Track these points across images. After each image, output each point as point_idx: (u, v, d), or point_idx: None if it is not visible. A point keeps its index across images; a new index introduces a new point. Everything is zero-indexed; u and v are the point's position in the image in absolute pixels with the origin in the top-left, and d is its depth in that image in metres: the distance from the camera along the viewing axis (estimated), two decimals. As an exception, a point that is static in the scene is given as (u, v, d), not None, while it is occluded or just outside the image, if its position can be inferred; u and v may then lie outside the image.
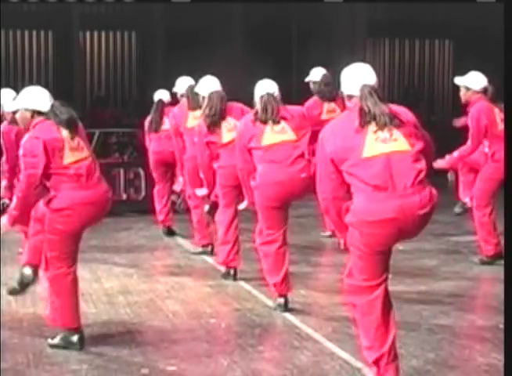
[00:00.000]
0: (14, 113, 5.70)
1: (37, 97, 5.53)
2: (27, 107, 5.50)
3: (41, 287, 6.18)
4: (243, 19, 17.02)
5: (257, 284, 7.28)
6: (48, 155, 5.34)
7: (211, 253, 8.71)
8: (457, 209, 8.68)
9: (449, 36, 19.84)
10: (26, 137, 5.43)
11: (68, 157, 5.43)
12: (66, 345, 5.47)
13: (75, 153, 5.44)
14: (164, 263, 8.47)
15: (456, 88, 8.22)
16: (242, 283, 7.43)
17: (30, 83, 17.76)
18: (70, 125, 5.44)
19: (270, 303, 6.60)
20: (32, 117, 5.48)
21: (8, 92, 9.08)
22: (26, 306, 6.56)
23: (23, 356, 5.33)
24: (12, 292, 6.17)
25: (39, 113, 5.47)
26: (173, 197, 10.39)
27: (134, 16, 17.60)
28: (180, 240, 9.71)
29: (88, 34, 18.14)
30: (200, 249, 8.87)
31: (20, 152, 5.39)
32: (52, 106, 5.47)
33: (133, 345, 5.59)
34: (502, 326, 5.12)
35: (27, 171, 5.35)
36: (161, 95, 10.02)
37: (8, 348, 5.50)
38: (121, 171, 11.87)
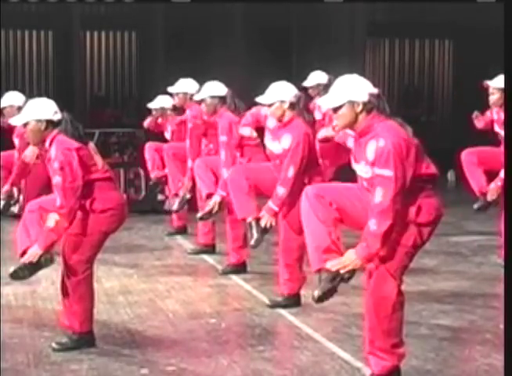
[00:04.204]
0: (24, 125, 5.40)
1: (47, 108, 5.37)
2: (39, 118, 5.30)
3: (42, 288, 6.19)
4: (243, 19, 17.03)
5: (257, 284, 7.29)
6: (83, 164, 5.25)
7: (213, 252, 8.72)
8: (476, 205, 8.45)
9: (449, 36, 19.85)
10: (54, 150, 5.22)
11: (99, 161, 5.42)
12: (78, 346, 5.44)
13: (98, 156, 5.44)
14: (164, 263, 8.47)
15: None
16: (242, 283, 7.43)
17: (30, 83, 17.86)
18: (82, 136, 5.40)
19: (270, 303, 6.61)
20: (46, 128, 5.30)
21: (16, 95, 9.11)
22: (26, 306, 6.56)
23: (23, 356, 5.33)
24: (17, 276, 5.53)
25: (52, 123, 5.31)
26: (161, 197, 10.53)
27: (134, 16, 17.61)
28: (180, 240, 9.71)
29: (88, 34, 18.15)
30: (198, 248, 8.87)
31: (55, 165, 5.18)
32: (63, 116, 5.38)
33: (133, 345, 5.59)
34: (502, 326, 5.12)
35: (69, 184, 5.16)
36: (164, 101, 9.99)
37: (8, 348, 5.49)
38: (121, 171, 11.90)
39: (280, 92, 6.45)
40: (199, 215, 7.95)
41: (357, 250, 4.46)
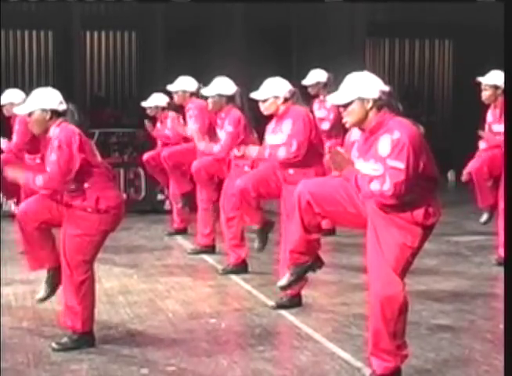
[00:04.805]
0: (29, 115, 5.39)
1: (53, 97, 5.36)
2: (44, 108, 5.29)
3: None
4: (244, 18, 17.03)
5: (257, 284, 7.29)
6: (84, 149, 5.24)
7: (213, 252, 8.73)
8: (483, 219, 8.50)
9: (449, 36, 19.85)
10: (57, 131, 5.24)
11: (99, 156, 5.42)
12: (78, 346, 5.44)
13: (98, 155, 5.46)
14: (164, 263, 8.46)
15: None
16: (242, 283, 7.43)
17: (30, 83, 17.84)
18: (86, 129, 5.42)
19: (270, 303, 6.61)
20: (50, 118, 5.29)
21: (16, 93, 9.12)
22: (26, 306, 6.56)
23: (23, 356, 5.33)
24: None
25: (57, 113, 5.31)
26: (161, 197, 10.56)
27: (134, 16, 17.61)
28: (180, 240, 9.71)
29: (88, 33, 18.15)
30: (198, 248, 8.87)
31: (55, 143, 5.18)
32: (69, 107, 5.39)
33: (133, 345, 5.59)
34: (502, 326, 5.12)
35: (63, 164, 5.16)
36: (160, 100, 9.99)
37: (8, 348, 5.49)
38: (121, 171, 11.91)
39: (274, 88, 6.48)
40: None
41: (350, 169, 4.56)
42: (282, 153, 6.41)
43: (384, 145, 4.43)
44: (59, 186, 5.24)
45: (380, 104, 4.51)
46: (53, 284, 5.68)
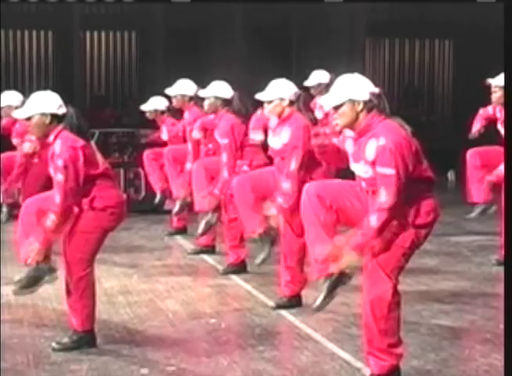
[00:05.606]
0: (28, 119, 5.34)
1: (52, 101, 5.32)
2: (44, 112, 5.26)
3: (42, 287, 6.17)
4: (244, 19, 17.02)
5: (257, 284, 7.29)
6: (87, 163, 5.23)
7: (213, 252, 8.73)
8: (474, 213, 8.50)
9: (449, 36, 19.83)
10: (59, 147, 5.20)
11: (100, 160, 5.41)
12: (79, 346, 5.44)
13: (98, 154, 5.44)
14: (164, 263, 8.47)
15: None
16: (242, 283, 7.43)
17: (30, 83, 17.85)
18: (86, 132, 5.41)
19: (270, 303, 6.61)
20: (50, 122, 5.27)
21: (14, 95, 9.10)
22: (26, 306, 6.56)
23: (23, 356, 5.33)
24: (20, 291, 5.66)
25: (56, 117, 5.28)
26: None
27: (134, 16, 17.60)
28: (180, 240, 9.71)
29: (88, 34, 18.14)
30: (198, 248, 8.87)
31: (59, 163, 5.15)
32: (68, 110, 5.36)
33: (133, 345, 5.59)
34: (502, 326, 5.12)
35: (70, 184, 5.16)
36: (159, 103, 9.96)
37: (8, 348, 5.50)
38: (121, 171, 11.90)
39: (280, 90, 6.46)
40: (199, 231, 7.99)
41: (351, 241, 4.49)
42: (287, 186, 6.28)
43: (370, 150, 4.46)
44: (73, 200, 5.24)
45: (370, 106, 4.53)
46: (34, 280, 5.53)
